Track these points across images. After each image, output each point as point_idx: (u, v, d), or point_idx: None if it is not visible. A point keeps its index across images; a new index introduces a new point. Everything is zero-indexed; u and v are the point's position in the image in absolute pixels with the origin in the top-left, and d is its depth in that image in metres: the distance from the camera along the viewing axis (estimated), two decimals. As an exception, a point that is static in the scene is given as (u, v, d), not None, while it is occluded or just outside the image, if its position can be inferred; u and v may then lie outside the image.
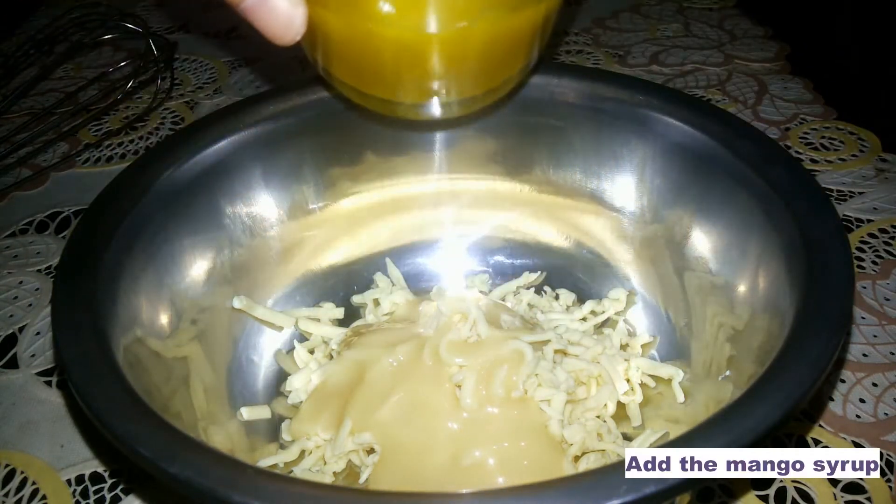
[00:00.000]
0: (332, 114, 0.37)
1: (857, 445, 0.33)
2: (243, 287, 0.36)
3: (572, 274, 0.39)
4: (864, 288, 0.40)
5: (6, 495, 0.33)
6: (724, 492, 0.31)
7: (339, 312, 0.38)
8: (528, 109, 0.37)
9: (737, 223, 0.32)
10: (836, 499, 0.31)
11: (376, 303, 0.38)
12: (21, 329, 0.42)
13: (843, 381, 0.36)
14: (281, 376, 0.36)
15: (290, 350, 0.36)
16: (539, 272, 0.39)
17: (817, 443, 0.33)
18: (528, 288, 0.39)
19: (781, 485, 0.32)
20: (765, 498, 0.31)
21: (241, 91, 0.61)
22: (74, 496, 0.33)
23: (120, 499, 0.33)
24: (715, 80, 0.58)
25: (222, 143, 0.35)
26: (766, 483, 0.32)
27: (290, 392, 0.34)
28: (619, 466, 0.21)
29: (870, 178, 0.48)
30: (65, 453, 0.35)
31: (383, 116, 0.33)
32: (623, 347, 0.36)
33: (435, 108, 0.31)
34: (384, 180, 0.39)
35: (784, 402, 0.22)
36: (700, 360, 0.33)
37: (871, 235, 0.44)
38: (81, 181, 0.53)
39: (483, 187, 0.40)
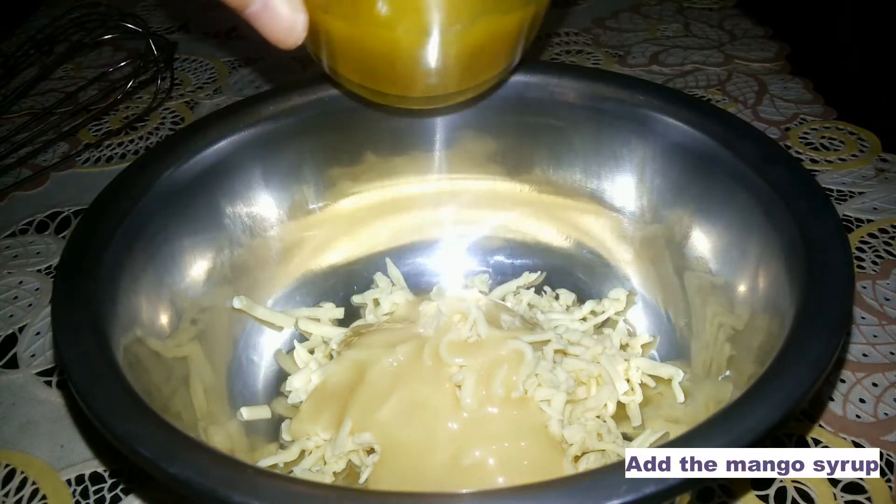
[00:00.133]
0: (332, 114, 0.37)
1: (857, 445, 0.33)
2: (243, 287, 0.36)
3: (572, 274, 0.39)
4: (864, 288, 0.40)
5: (6, 495, 0.33)
6: (724, 492, 0.31)
7: (339, 312, 0.38)
8: (528, 109, 0.37)
9: (737, 223, 0.32)
10: (836, 499, 0.31)
11: (376, 303, 0.38)
12: (21, 329, 0.42)
13: (843, 381, 0.36)
14: (281, 376, 0.36)
15: (290, 350, 0.36)
16: (539, 272, 0.39)
17: (817, 443, 0.33)
18: (528, 288, 0.39)
19: (781, 485, 0.32)
20: (765, 498, 0.31)
21: (241, 91, 0.61)
22: (74, 496, 0.33)
23: (120, 499, 0.33)
24: (715, 80, 0.58)
25: (222, 143, 0.35)
26: (766, 483, 0.32)
27: (290, 392, 0.34)
28: (619, 466, 0.21)
29: (870, 178, 0.48)
30: (65, 453, 0.35)
31: (388, 106, 0.34)
32: (623, 347, 0.36)
33: (434, 100, 0.33)
34: (384, 180, 0.39)
35: (784, 402, 0.22)
36: (700, 360, 0.33)
37: (871, 235, 0.44)
38: (81, 181, 0.53)
39: (483, 187, 0.40)
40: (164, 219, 0.33)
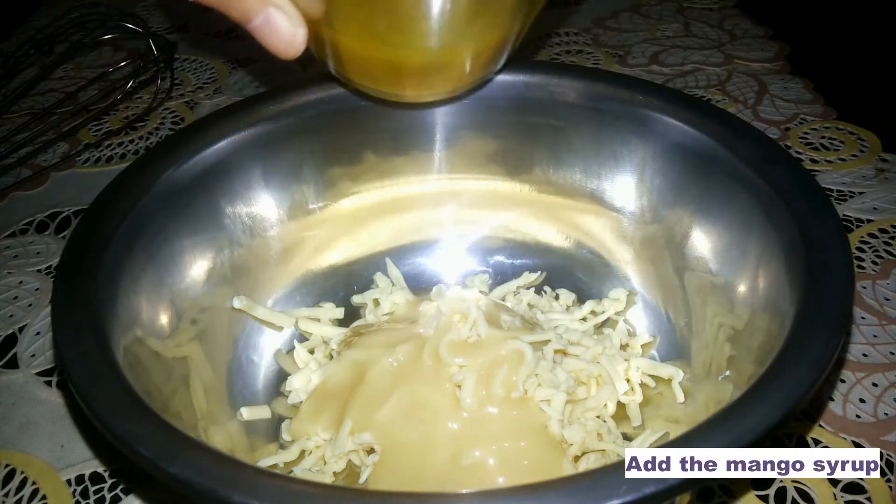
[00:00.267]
0: (332, 114, 0.37)
1: (857, 445, 0.33)
2: (243, 287, 0.36)
3: (572, 274, 0.39)
4: (864, 288, 0.40)
5: (6, 495, 0.33)
6: (724, 492, 0.31)
7: (339, 312, 0.38)
8: (528, 109, 0.37)
9: (737, 223, 0.32)
10: (836, 499, 0.31)
11: (376, 303, 0.38)
12: (21, 329, 0.42)
13: (843, 381, 0.36)
14: (281, 376, 0.36)
15: (290, 350, 0.36)
16: (539, 272, 0.39)
17: (817, 443, 0.33)
18: (528, 288, 0.39)
19: (781, 485, 0.32)
20: (765, 498, 0.31)
21: (241, 91, 0.61)
22: (74, 496, 0.33)
23: (120, 499, 0.33)
24: (715, 80, 0.58)
25: (222, 143, 0.35)
26: (766, 483, 0.32)
27: (290, 392, 0.34)
28: (619, 466, 0.21)
29: (870, 178, 0.48)
30: (65, 453, 0.35)
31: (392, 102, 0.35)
32: (623, 347, 0.36)
33: (434, 97, 0.35)
34: (384, 180, 0.39)
35: (784, 402, 0.22)
36: (700, 360, 0.33)
37: (871, 235, 0.44)
38: (81, 181, 0.53)
39: (483, 187, 0.40)
40: (164, 219, 0.33)
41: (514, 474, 0.29)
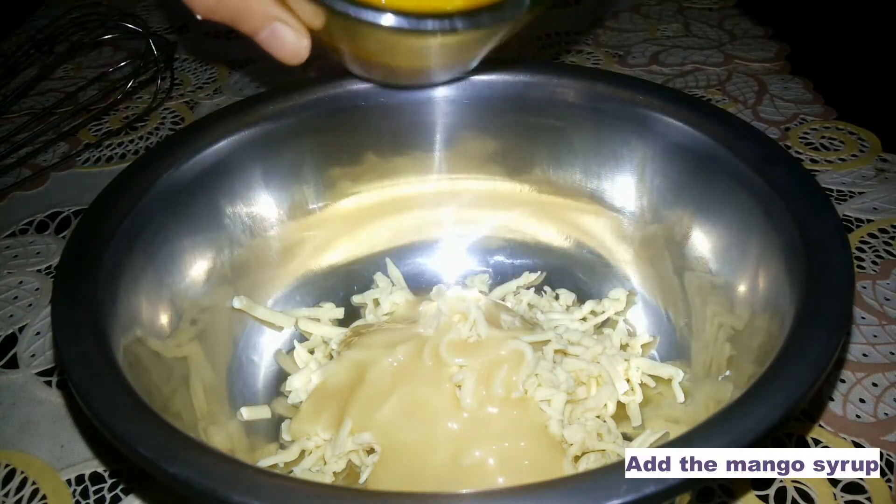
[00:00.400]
0: (332, 114, 0.37)
1: (857, 445, 0.33)
2: (243, 287, 0.36)
3: (572, 274, 0.39)
4: (864, 288, 0.40)
5: (6, 495, 0.33)
6: (724, 492, 0.31)
7: (339, 312, 0.38)
8: (528, 109, 0.37)
9: (737, 223, 0.32)
10: (836, 499, 0.31)
11: (376, 303, 0.38)
12: (21, 329, 0.42)
13: (843, 381, 0.36)
14: (281, 376, 0.36)
15: (290, 350, 0.36)
16: (539, 272, 0.39)
17: (817, 443, 0.33)
18: (528, 288, 0.39)
19: (781, 485, 0.32)
20: (765, 498, 0.31)
21: (241, 91, 0.61)
22: (74, 496, 0.33)
23: (120, 499, 0.33)
24: (715, 80, 0.58)
25: (222, 143, 0.35)
26: (766, 483, 0.32)
27: (290, 392, 0.34)
28: (619, 466, 0.21)
29: (870, 178, 0.48)
30: (65, 453, 0.35)
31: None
32: (623, 347, 0.36)
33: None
34: (384, 180, 0.39)
35: (784, 402, 0.22)
36: (700, 360, 0.33)
37: (871, 235, 0.44)
38: (81, 181, 0.53)
39: (483, 187, 0.40)
40: (164, 219, 0.33)
41: (514, 474, 0.29)
